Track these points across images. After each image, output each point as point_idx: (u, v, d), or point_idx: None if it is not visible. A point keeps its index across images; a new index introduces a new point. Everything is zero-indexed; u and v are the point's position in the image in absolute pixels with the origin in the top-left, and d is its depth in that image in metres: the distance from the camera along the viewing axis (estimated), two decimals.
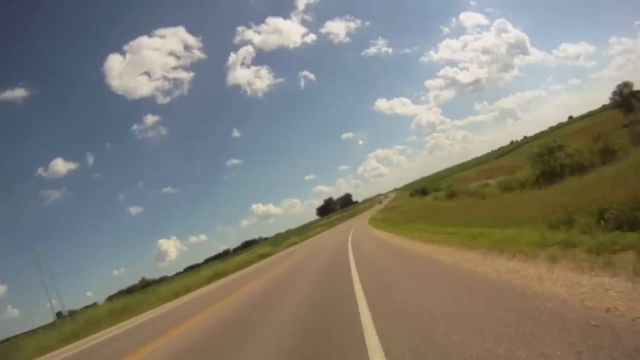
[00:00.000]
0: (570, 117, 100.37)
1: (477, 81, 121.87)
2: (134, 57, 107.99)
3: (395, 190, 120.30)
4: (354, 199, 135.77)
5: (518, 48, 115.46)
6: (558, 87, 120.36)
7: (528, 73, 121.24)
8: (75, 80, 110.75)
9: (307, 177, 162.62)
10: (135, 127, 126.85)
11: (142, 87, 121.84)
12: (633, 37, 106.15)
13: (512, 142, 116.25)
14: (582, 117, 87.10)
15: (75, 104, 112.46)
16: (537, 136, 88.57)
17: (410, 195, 71.52)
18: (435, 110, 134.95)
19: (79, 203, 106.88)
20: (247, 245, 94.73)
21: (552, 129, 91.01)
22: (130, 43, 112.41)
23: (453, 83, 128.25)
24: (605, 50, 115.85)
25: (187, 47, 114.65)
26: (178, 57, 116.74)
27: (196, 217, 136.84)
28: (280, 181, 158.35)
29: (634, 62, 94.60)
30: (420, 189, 74.61)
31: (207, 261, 73.63)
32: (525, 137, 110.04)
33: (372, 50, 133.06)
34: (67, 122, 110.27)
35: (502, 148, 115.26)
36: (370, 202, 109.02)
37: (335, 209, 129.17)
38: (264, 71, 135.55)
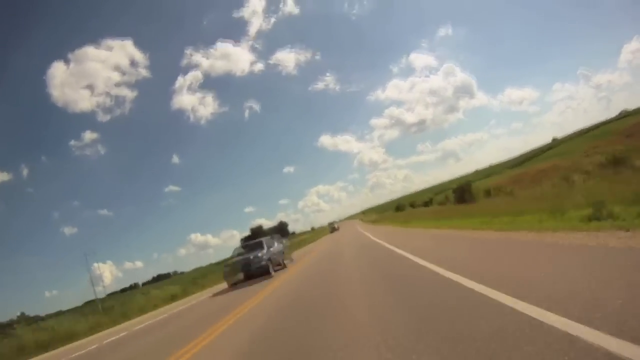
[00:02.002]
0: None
1: (422, 122, 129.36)
2: (77, 68, 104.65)
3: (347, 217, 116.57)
4: (291, 228, 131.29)
5: (464, 91, 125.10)
6: (500, 131, 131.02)
7: (472, 116, 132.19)
8: (15, 85, 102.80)
9: (246, 210, 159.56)
10: (73, 142, 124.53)
11: (84, 101, 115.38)
12: (576, 84, 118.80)
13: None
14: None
15: (12, 111, 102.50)
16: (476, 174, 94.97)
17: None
18: (378, 149, 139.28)
19: (9, 216, 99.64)
20: (159, 278, 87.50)
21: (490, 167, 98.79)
22: (76, 51, 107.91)
23: (398, 123, 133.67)
24: (549, 95, 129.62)
25: (133, 63, 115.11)
26: (123, 73, 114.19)
27: (132, 242, 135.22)
28: (219, 211, 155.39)
29: (574, 108, 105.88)
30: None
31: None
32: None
33: (320, 85, 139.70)
34: (2, 128, 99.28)
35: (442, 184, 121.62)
36: (314, 232, 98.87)
37: None
38: (209, 98, 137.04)
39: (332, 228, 63.42)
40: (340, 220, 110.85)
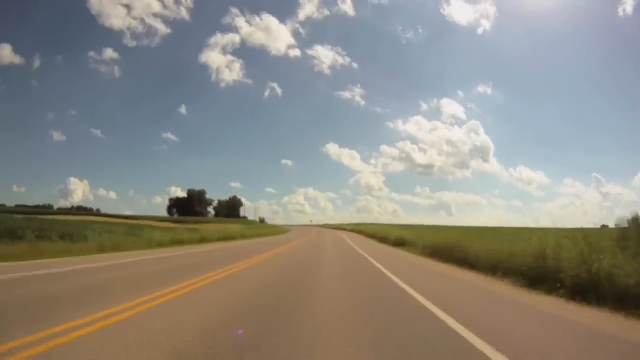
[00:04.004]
0: None
1: (429, 166, 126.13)
2: None
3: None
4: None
5: (481, 153, 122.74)
6: (500, 202, 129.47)
7: (479, 179, 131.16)
8: None
9: (232, 184, 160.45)
10: (92, 54, 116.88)
11: (117, 19, 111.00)
12: (586, 185, 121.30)
13: None
14: None
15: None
16: None
17: None
18: (379, 176, 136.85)
19: (6, 99, 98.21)
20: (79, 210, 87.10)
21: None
22: None
23: (407, 159, 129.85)
24: (558, 186, 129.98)
25: (177, 1, 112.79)
26: (165, 7, 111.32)
27: (114, 172, 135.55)
28: (207, 175, 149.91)
29: (577, 207, 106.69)
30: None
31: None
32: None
33: (346, 94, 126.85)
34: (32, 14, 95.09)
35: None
36: (281, 230, 62.78)
37: (202, 214, 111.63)
38: (237, 65, 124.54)
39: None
40: (316, 226, 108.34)
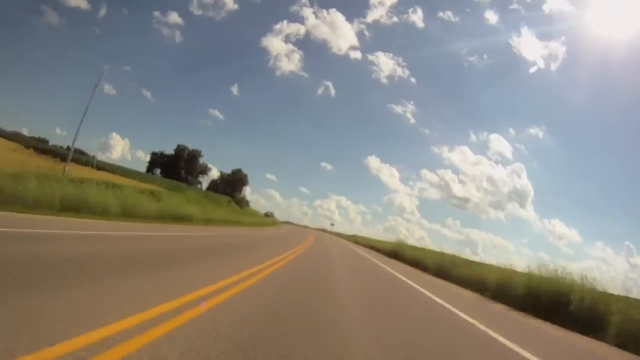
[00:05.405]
0: None
1: (465, 200, 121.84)
2: None
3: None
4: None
5: (519, 197, 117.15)
6: (526, 251, 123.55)
7: (512, 223, 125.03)
8: None
9: (268, 175, 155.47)
10: (157, 14, 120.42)
11: None
12: (617, 252, 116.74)
13: None
14: None
15: None
16: None
17: None
18: (413, 199, 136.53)
19: (66, 39, 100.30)
20: None
21: None
22: None
23: (444, 188, 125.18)
24: (588, 248, 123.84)
25: None
26: None
27: (155, 136, 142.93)
28: (244, 160, 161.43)
29: (602, 271, 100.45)
30: None
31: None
32: None
33: (398, 109, 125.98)
34: None
35: None
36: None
37: (186, 180, 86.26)
38: (296, 56, 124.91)
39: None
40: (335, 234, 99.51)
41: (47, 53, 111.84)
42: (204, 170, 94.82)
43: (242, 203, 57.01)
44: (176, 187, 46.42)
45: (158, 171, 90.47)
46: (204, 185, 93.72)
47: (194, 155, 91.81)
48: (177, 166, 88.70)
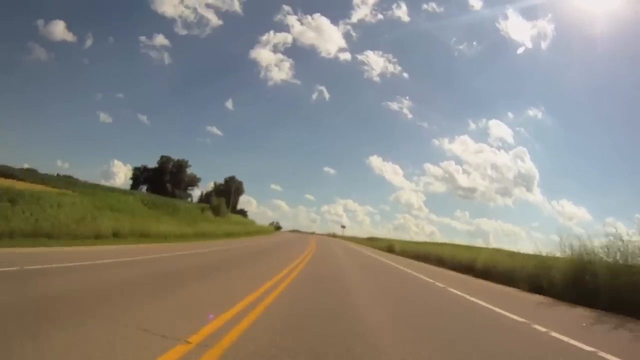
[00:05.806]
0: None
1: (472, 190, 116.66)
2: None
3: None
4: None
5: (524, 181, 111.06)
6: (538, 235, 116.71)
7: (521, 208, 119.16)
8: None
9: (272, 186, 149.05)
10: (143, 39, 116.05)
11: (170, 6, 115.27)
12: (628, 227, 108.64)
13: None
14: None
15: None
16: None
17: None
18: (420, 195, 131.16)
19: (56, 73, 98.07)
20: None
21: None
22: None
23: (449, 180, 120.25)
24: (599, 225, 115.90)
25: None
26: None
27: (155, 156, 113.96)
28: (247, 173, 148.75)
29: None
30: None
31: None
32: None
33: (394, 105, 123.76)
34: None
35: None
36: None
37: (173, 194, 78.80)
38: (286, 64, 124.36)
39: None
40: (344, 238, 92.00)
41: (40, 89, 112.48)
42: (193, 181, 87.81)
43: (220, 210, 47.65)
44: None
45: (144, 188, 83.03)
46: (194, 199, 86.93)
47: (181, 166, 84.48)
48: (163, 180, 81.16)
